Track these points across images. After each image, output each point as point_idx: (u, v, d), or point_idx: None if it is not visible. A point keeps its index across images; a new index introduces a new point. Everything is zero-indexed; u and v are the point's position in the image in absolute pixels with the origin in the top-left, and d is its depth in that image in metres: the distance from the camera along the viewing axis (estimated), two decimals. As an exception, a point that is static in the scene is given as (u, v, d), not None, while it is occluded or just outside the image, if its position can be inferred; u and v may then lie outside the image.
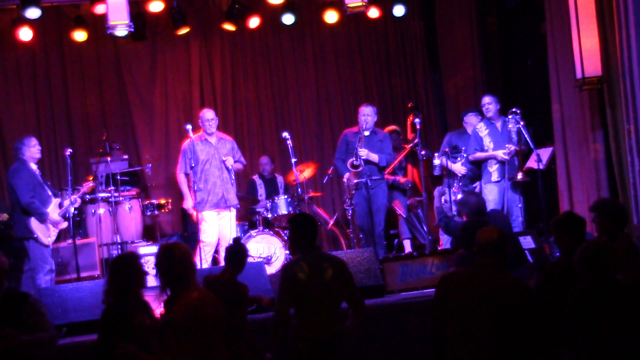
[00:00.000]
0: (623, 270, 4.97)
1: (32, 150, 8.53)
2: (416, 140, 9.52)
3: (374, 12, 11.03)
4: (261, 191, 10.97)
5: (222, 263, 8.66)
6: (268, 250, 9.53)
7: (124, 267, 4.92)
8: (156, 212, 10.21)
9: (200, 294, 4.59)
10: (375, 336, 7.17)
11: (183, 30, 10.97)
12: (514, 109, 9.16)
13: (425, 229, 10.11)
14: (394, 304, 7.56)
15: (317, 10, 11.47)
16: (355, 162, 9.21)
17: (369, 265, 8.03)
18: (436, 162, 9.71)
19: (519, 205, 9.22)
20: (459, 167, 9.46)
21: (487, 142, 9.37)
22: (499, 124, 9.40)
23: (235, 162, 9.40)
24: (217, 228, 9.25)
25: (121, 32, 9.43)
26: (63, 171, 10.82)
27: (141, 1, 10.42)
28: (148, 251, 9.06)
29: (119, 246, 9.79)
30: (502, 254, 4.83)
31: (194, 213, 9.36)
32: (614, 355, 4.59)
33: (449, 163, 9.51)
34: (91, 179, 9.86)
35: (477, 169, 9.52)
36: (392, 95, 12.64)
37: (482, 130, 9.46)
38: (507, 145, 9.16)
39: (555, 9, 9.81)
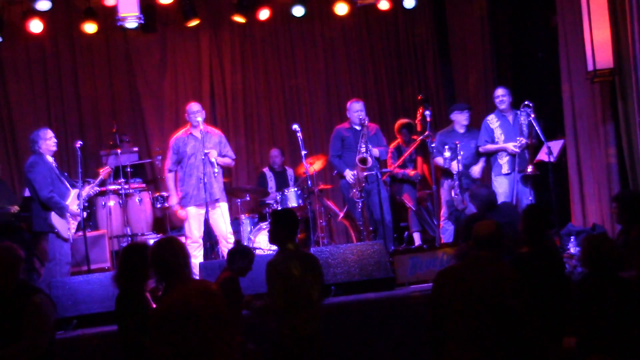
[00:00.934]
0: (635, 264, 4.97)
1: (48, 142, 8.43)
2: (426, 133, 9.48)
3: (384, 4, 11.01)
4: (271, 183, 10.97)
5: (225, 257, 8.74)
6: (278, 243, 9.50)
7: (133, 257, 4.98)
8: (166, 204, 10.21)
9: (195, 286, 4.57)
10: (386, 328, 7.17)
11: (193, 22, 10.96)
12: (526, 102, 9.11)
13: (435, 222, 10.09)
14: (404, 297, 7.54)
15: (327, 2, 11.46)
16: (365, 156, 9.18)
17: (379, 258, 8.01)
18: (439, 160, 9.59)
19: (529, 198, 9.18)
20: (454, 166, 9.37)
21: (498, 134, 9.34)
22: (510, 116, 9.37)
23: (223, 156, 9.15)
24: (201, 224, 9.04)
25: (131, 24, 9.44)
26: (73, 163, 10.82)
27: (151, -7, 10.42)
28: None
29: (129, 238, 9.83)
30: (498, 247, 4.86)
31: (178, 211, 9.24)
32: (616, 349, 4.61)
33: (452, 164, 9.39)
34: (107, 167, 9.88)
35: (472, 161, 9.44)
36: (402, 88, 12.62)
37: (493, 122, 9.42)
38: (518, 138, 9.13)
39: (566, 0, 9.75)
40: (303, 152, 9.22)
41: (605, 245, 4.87)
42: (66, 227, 8.38)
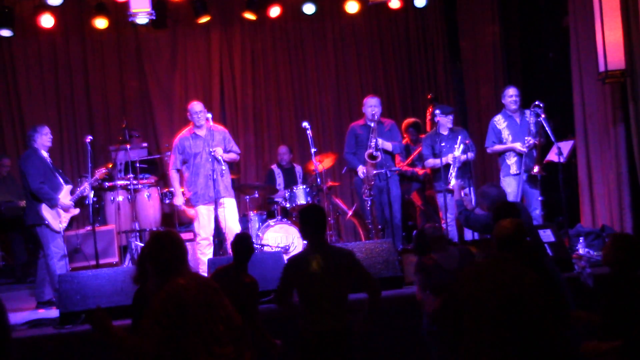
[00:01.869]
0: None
1: (44, 138, 8.56)
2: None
3: (395, 3, 11.00)
4: (279, 181, 10.97)
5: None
6: (286, 240, 9.52)
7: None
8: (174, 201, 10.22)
9: (187, 280, 4.51)
10: (394, 327, 7.17)
11: (204, 19, 10.96)
12: (537, 102, 9.08)
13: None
14: (412, 295, 7.52)
15: (338, 0, 11.45)
16: (374, 153, 9.17)
17: (388, 257, 8.01)
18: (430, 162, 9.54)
19: (539, 199, 9.16)
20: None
21: (506, 134, 9.32)
22: (517, 117, 9.35)
23: (228, 152, 9.09)
24: (211, 222, 9.00)
25: (142, 19, 9.46)
26: (83, 158, 10.86)
27: (162, -11, 10.43)
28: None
29: (138, 234, 9.83)
30: (519, 247, 4.84)
31: (185, 210, 9.21)
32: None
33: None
34: (110, 166, 9.89)
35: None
36: (412, 86, 12.61)
37: (501, 123, 9.40)
38: (526, 138, 9.11)
39: (578, 1, 9.73)
40: (312, 150, 9.22)
41: (633, 244, 4.86)
42: (57, 219, 8.45)
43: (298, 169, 11.20)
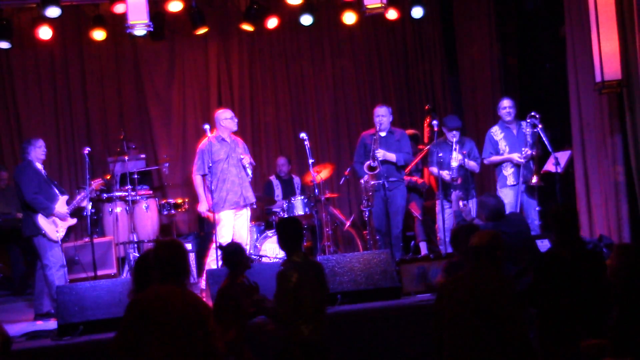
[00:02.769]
0: None
1: (38, 151, 8.62)
2: (434, 143, 9.48)
3: (392, 14, 11.01)
4: (278, 192, 10.99)
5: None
6: (284, 251, 9.51)
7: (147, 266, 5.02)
8: (173, 211, 10.24)
9: (163, 291, 4.50)
10: (392, 337, 7.17)
11: (201, 30, 10.96)
12: (533, 113, 9.11)
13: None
14: (410, 306, 7.55)
15: (335, 11, 11.46)
16: (372, 164, 9.18)
17: (386, 267, 8.01)
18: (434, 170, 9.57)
19: (536, 209, 9.18)
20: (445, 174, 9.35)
21: (503, 145, 9.35)
22: (514, 128, 9.37)
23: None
24: (232, 229, 9.08)
25: (140, 31, 9.45)
26: (81, 170, 10.86)
27: (160, 1, 10.42)
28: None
29: (136, 245, 9.83)
30: (492, 258, 4.94)
31: (210, 215, 9.26)
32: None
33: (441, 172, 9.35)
34: (108, 177, 9.91)
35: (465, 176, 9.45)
36: (410, 97, 12.62)
37: (497, 134, 9.44)
38: (523, 149, 9.13)
39: (574, 11, 9.75)
40: (310, 161, 9.23)
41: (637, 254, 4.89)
42: (54, 229, 8.48)
43: (296, 180, 11.21)
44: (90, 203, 9.00)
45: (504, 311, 4.72)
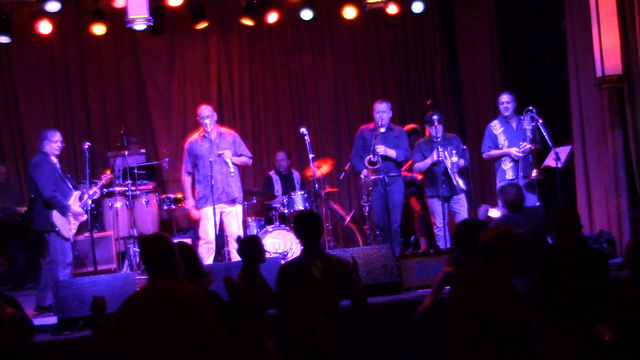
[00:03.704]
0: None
1: (53, 145, 8.49)
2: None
3: (392, 9, 11.00)
4: (277, 187, 10.98)
5: (234, 259, 8.73)
6: (284, 246, 9.54)
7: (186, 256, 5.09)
8: (173, 206, 10.23)
9: (162, 286, 4.47)
10: (392, 332, 7.17)
11: (201, 25, 10.95)
12: (529, 107, 9.10)
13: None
14: (410, 301, 7.55)
15: (335, 6, 11.46)
16: (372, 159, 9.16)
17: (386, 262, 8.02)
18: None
19: (536, 204, 9.16)
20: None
21: (502, 140, 9.33)
22: (513, 122, 9.36)
23: (238, 155, 9.18)
24: (216, 226, 9.00)
25: (140, 26, 9.45)
26: (81, 164, 10.86)
27: (160, -5, 10.44)
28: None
29: (136, 240, 9.82)
30: (500, 255, 4.85)
31: (193, 212, 9.24)
32: None
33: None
34: (108, 172, 9.90)
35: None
36: (410, 92, 12.61)
37: (497, 128, 9.42)
38: (521, 143, 9.12)
39: (575, 6, 9.73)
40: (310, 156, 9.23)
41: None
42: (67, 226, 8.43)
43: (296, 175, 11.21)
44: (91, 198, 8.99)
45: (501, 316, 4.67)
